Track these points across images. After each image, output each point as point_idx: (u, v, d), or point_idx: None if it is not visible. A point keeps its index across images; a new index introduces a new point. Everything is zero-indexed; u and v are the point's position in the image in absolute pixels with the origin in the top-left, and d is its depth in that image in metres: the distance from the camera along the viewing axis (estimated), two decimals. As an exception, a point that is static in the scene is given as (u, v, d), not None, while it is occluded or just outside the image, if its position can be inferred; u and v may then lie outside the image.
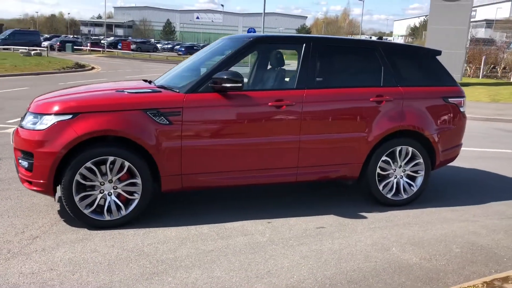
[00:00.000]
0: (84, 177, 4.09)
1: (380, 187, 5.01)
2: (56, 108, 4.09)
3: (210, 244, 3.96)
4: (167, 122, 4.22)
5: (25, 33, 50.41)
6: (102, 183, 4.16)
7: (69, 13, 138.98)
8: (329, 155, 4.79)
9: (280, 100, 4.53)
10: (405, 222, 4.66)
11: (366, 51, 5.09)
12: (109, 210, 4.21)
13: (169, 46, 62.68)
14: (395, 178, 5.09)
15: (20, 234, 4.04)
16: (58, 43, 51.19)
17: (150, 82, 5.02)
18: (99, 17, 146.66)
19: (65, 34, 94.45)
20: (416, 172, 5.14)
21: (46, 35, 68.67)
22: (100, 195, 4.18)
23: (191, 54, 51.48)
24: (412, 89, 5.06)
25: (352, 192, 5.57)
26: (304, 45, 4.77)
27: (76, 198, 4.09)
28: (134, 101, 4.22)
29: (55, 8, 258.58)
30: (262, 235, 4.19)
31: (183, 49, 54.54)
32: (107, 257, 3.66)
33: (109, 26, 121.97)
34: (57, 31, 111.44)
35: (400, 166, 5.06)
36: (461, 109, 5.31)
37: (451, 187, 6.02)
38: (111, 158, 4.10)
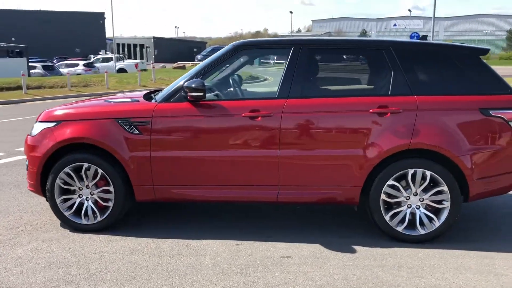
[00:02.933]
0: (64, 182, 4.35)
1: (387, 218, 4.11)
2: (45, 116, 4.46)
3: (151, 261, 3.80)
4: (137, 132, 4.21)
5: (220, 49, 55.85)
6: (80, 188, 4.37)
7: (267, 29, 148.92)
8: (317, 174, 4.14)
9: (256, 111, 4.11)
10: (397, 264, 3.73)
11: (372, 53, 4.25)
12: (87, 215, 4.39)
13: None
14: (409, 208, 4.12)
15: (16, 229, 4.50)
16: (248, 56, 55.32)
17: (155, 92, 5.05)
18: (299, 30, 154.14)
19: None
20: (439, 202, 4.07)
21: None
22: (79, 199, 4.39)
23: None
24: (431, 99, 4.04)
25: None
26: (292, 49, 4.23)
27: (58, 200, 4.37)
28: (107, 110, 4.32)
29: (262, 25, 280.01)
30: (213, 258, 3.84)
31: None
32: (51, 259, 3.82)
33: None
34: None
35: (416, 193, 4.08)
36: (513, 125, 4.03)
37: (509, 224, 4.61)
38: (85, 165, 4.28)
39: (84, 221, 4.38)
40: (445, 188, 4.01)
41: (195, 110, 4.17)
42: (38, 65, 28.60)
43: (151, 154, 4.21)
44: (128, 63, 35.11)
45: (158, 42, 57.82)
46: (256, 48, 4.49)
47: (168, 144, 4.21)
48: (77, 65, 30.65)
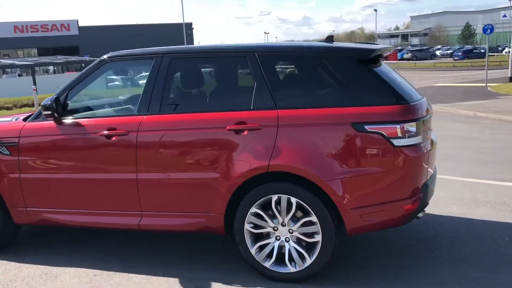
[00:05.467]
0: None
1: (253, 250, 3.53)
2: None
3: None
4: (8, 153, 4.07)
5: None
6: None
7: (358, 28, 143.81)
8: (178, 200, 3.68)
9: (113, 129, 3.76)
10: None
11: (236, 61, 3.69)
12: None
13: (449, 51, 57.79)
14: (278, 240, 3.50)
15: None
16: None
17: None
18: (396, 28, 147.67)
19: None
20: (310, 235, 3.40)
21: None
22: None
23: (469, 58, 46.48)
24: (295, 113, 3.38)
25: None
26: (153, 60, 3.81)
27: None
28: (-18, 131, 4.24)
29: (358, 25, 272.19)
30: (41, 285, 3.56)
31: (460, 54, 49.44)
32: None
33: (405, 36, 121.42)
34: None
35: (284, 224, 3.45)
36: (396, 142, 3.21)
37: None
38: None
39: None
40: (314, 218, 3.34)
41: (55, 129, 3.93)
42: (118, 77, 30.22)
43: (20, 175, 4.05)
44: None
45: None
46: (121, 60, 4.11)
47: (33, 165, 4.01)
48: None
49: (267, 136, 3.39)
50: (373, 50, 3.44)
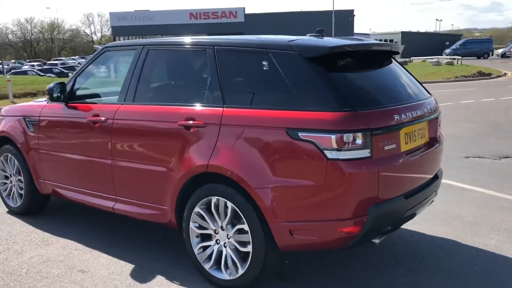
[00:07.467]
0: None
1: (196, 250, 3.43)
2: None
3: (-3, 247, 4.17)
4: (33, 130, 4.60)
5: (476, 42, 50.46)
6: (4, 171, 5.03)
7: None
8: (141, 190, 3.74)
9: (97, 115, 3.97)
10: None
11: (199, 55, 3.53)
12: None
13: None
14: (218, 244, 3.33)
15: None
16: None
17: None
18: None
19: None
20: (243, 244, 3.17)
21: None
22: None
23: None
24: (236, 112, 3.14)
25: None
26: (135, 51, 3.89)
27: None
28: (19, 109, 4.83)
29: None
30: (30, 259, 3.93)
31: None
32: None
33: None
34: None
35: (223, 228, 3.28)
36: (330, 154, 2.77)
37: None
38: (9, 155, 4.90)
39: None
40: (246, 227, 3.12)
41: (59, 112, 4.32)
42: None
43: (40, 151, 4.54)
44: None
45: (407, 36, 55.83)
46: (115, 50, 4.26)
47: (45, 143, 4.47)
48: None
49: (211, 134, 3.24)
50: (325, 48, 3.01)
